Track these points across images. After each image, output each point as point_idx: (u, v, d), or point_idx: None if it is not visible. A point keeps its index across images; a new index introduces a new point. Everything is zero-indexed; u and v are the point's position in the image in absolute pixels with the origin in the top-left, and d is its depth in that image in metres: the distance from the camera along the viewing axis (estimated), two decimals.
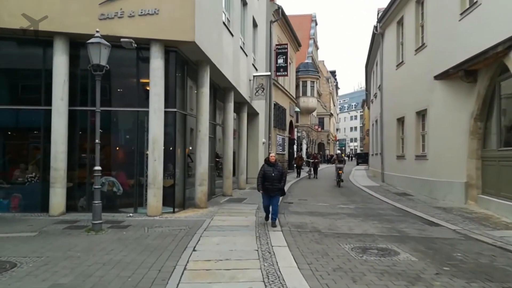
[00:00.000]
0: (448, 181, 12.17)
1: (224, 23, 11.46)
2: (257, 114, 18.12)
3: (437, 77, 12.61)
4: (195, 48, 9.29)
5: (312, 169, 23.70)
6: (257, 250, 6.07)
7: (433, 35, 13.09)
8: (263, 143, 19.53)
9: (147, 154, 9.30)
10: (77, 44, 8.84)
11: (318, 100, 48.06)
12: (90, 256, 5.64)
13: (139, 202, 9.56)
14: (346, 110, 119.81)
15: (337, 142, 78.14)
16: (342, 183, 17.64)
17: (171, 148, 9.56)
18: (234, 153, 14.57)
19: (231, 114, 13.36)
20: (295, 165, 25.85)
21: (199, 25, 8.98)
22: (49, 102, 8.89)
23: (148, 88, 9.04)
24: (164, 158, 9.05)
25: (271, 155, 8.36)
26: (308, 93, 39.36)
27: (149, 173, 8.96)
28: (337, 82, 79.97)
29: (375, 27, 20.01)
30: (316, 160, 24.20)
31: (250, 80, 15.68)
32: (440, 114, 12.64)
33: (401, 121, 17.02)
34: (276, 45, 22.86)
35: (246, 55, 14.87)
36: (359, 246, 6.43)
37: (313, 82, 40.61)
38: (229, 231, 7.45)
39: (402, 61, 16.33)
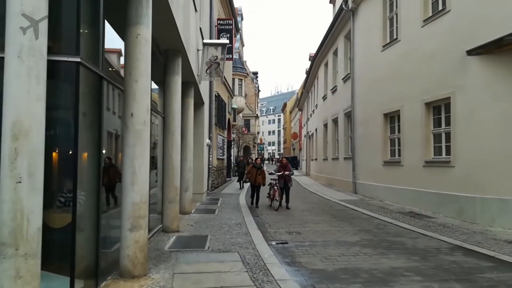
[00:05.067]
0: (497, 198, 8.53)
1: None
2: (202, 103, 12.97)
3: (474, 52, 8.99)
4: None
5: (279, 189, 11.63)
6: None
7: None
8: (207, 145, 14.42)
9: None
10: None
11: (245, 101, 44.11)
12: None
13: None
14: (264, 114, 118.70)
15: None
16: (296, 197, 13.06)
17: (67, 150, 4.12)
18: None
19: (178, 96, 8.01)
20: (247, 180, 12.55)
21: None
22: None
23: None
24: (50, 169, 3.54)
25: None
26: (236, 91, 35.12)
27: (2, 216, 3.32)
28: (258, 85, 77.23)
29: (344, 2, 16.20)
30: (286, 173, 11.82)
31: (198, 50, 10.54)
32: (478, 104, 9.00)
33: (389, 116, 13.34)
34: (218, 19, 17.91)
35: (196, 10, 9.74)
36: None
37: (241, 80, 36.70)
38: None
39: (396, 39, 12.62)
